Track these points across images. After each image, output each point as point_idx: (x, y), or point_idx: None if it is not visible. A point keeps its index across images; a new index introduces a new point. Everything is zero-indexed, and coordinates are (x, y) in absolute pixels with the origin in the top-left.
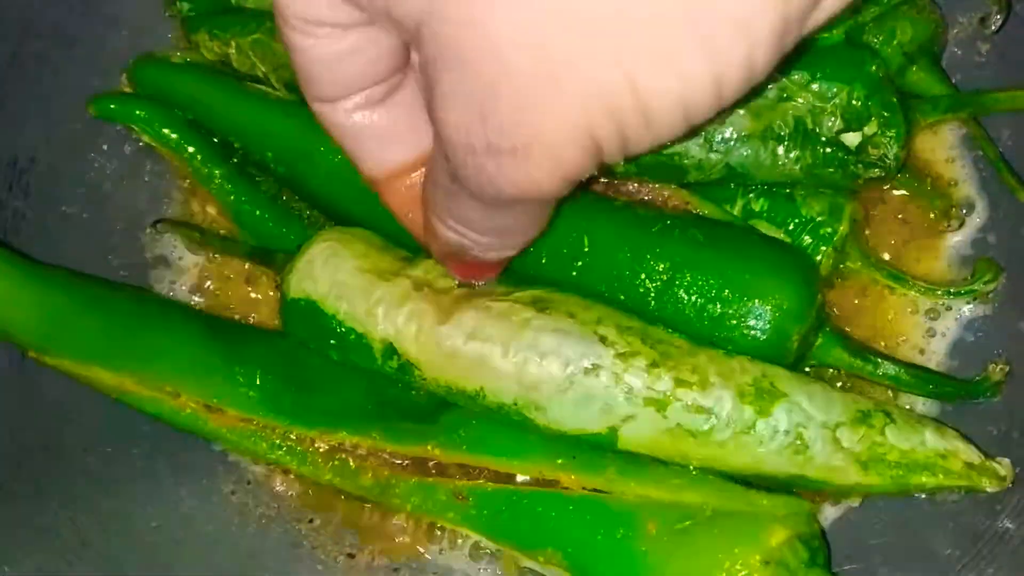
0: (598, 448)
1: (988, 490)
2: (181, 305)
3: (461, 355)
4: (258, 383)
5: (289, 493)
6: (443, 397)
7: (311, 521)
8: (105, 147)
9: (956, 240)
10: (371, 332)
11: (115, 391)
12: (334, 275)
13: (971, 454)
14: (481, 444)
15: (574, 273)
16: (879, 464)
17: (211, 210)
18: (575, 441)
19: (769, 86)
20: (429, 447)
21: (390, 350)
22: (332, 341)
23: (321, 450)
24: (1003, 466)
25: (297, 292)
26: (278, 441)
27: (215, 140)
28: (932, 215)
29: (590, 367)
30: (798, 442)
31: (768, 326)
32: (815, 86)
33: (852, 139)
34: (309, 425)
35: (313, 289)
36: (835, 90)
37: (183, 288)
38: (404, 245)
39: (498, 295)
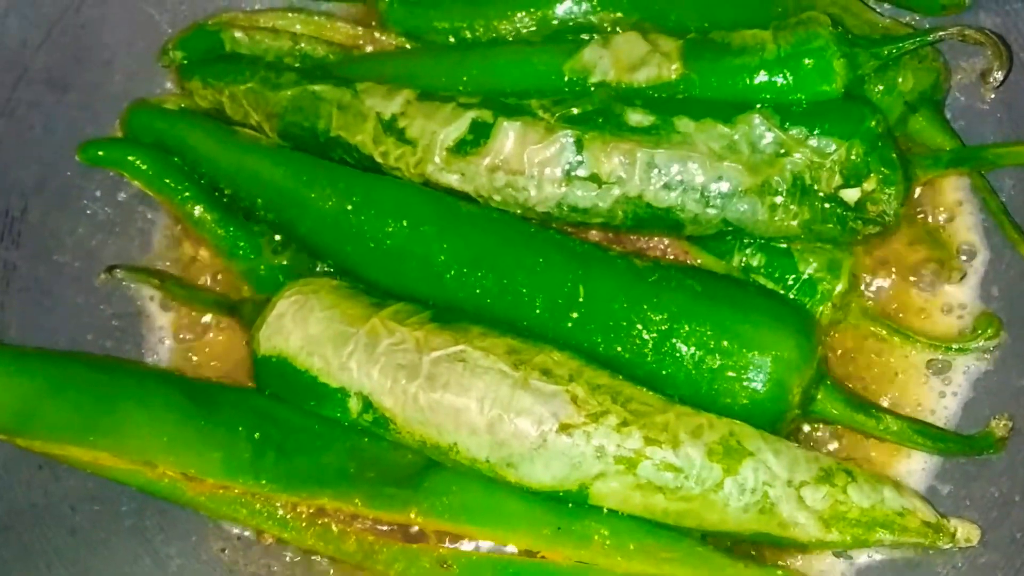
0: (580, 515)
1: (942, 547)
2: (157, 374)
3: (435, 409)
4: (237, 449)
5: (279, 550)
6: (422, 454)
7: None
8: (98, 194)
9: (958, 291)
10: (346, 386)
11: (90, 466)
12: (305, 329)
13: (928, 513)
14: (464, 512)
15: (569, 324)
16: (840, 522)
17: (204, 253)
18: (554, 505)
19: (767, 141)
20: (412, 514)
21: (366, 404)
22: (306, 396)
23: (303, 515)
24: (963, 527)
25: (268, 349)
26: (259, 507)
27: (208, 185)
28: (934, 266)
29: (561, 426)
30: (764, 500)
31: (768, 378)
32: (814, 142)
33: (851, 195)
34: (290, 490)
35: (284, 345)
36: (834, 146)
37: (174, 336)
38: (374, 290)
39: (473, 340)
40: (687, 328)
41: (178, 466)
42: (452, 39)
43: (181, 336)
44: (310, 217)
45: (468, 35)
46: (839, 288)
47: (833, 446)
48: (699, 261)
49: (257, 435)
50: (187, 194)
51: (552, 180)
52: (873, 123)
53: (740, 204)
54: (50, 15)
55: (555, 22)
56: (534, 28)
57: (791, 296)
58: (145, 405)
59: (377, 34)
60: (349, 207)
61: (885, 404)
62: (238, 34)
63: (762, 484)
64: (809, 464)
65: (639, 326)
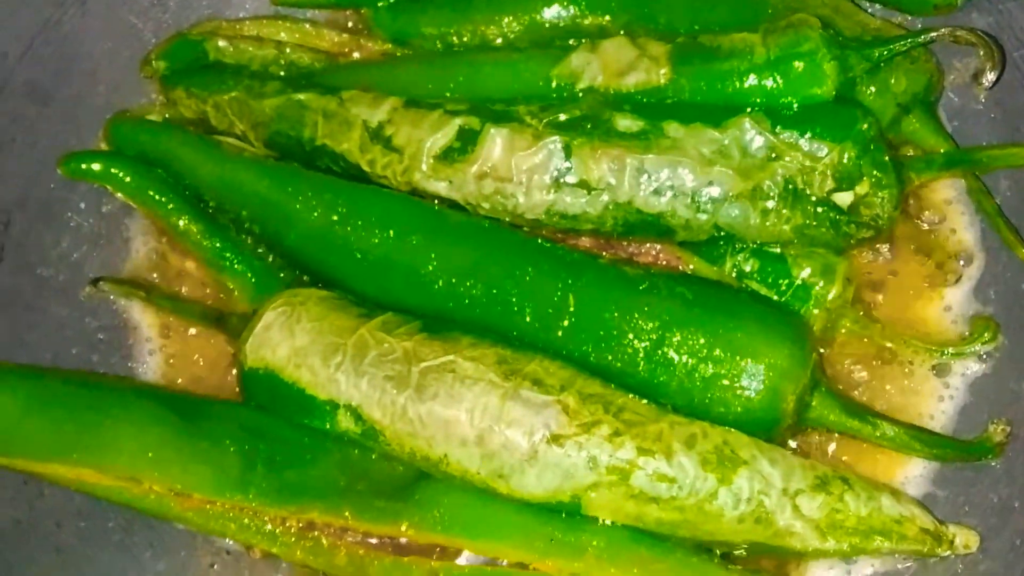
0: (573, 526)
1: (941, 555)
2: (142, 389)
3: (425, 421)
4: (225, 463)
5: (269, 565)
6: (412, 466)
7: None
8: (82, 206)
9: (955, 293)
10: (334, 398)
11: (75, 484)
12: (292, 341)
13: (926, 520)
14: (456, 525)
15: (559, 333)
16: (837, 530)
17: (190, 265)
18: (547, 516)
19: (758, 145)
20: (403, 527)
21: (355, 416)
22: (295, 409)
23: (293, 529)
24: (962, 534)
25: (255, 361)
26: (247, 521)
27: (192, 197)
28: (930, 269)
29: (552, 437)
30: (759, 510)
31: (761, 386)
32: (805, 145)
33: (844, 199)
34: (279, 504)
35: (272, 357)
36: (826, 149)
37: (161, 348)
38: (363, 301)
39: (463, 350)
40: (679, 336)
41: (165, 482)
42: (439, 44)
43: (167, 348)
44: (296, 228)
45: (455, 40)
46: (833, 293)
47: (832, 447)
48: (691, 267)
49: (245, 449)
50: (171, 206)
51: (541, 187)
52: (865, 126)
53: (731, 209)
54: (31, 26)
55: (543, 26)
56: (522, 33)
57: (785, 301)
58: (130, 421)
59: (363, 41)
60: (335, 218)
61: (883, 409)
62: (222, 43)
63: (757, 493)
64: (805, 472)
65: (630, 335)
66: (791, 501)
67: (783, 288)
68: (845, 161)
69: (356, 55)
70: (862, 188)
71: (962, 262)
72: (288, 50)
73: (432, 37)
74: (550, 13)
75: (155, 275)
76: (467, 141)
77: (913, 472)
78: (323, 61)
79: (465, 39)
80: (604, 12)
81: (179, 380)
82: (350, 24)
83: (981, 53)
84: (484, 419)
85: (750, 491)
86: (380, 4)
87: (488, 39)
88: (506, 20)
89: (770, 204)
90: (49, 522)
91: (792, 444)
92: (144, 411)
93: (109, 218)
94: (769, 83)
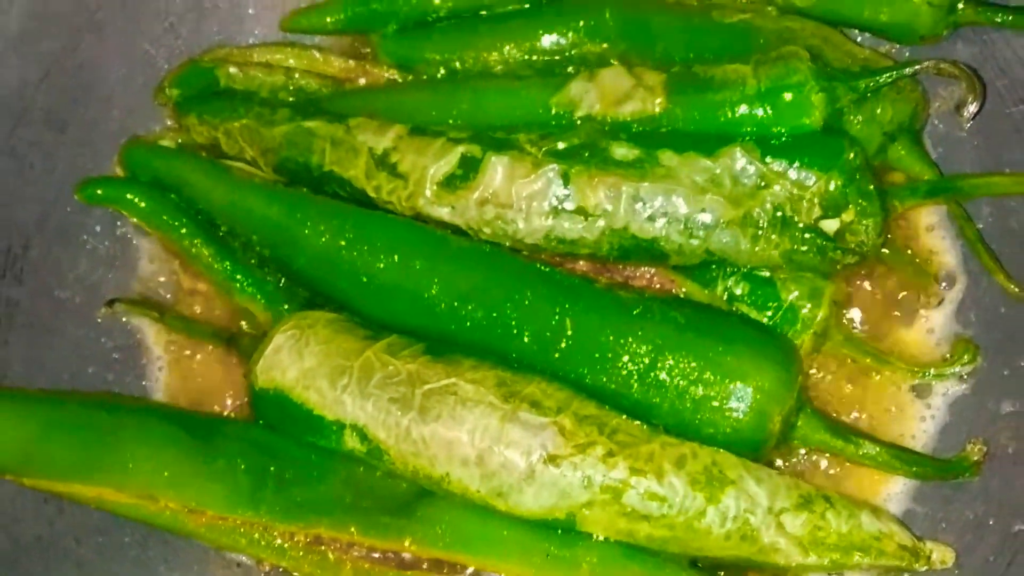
0: (569, 542)
1: (919, 570)
2: (156, 409)
3: (428, 441)
4: (236, 481)
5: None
6: (416, 484)
7: None
8: (98, 229)
9: (937, 316)
10: (341, 419)
11: (94, 502)
12: (301, 363)
13: (904, 537)
14: (458, 540)
15: (556, 355)
16: (819, 546)
17: (202, 287)
18: (544, 532)
19: (749, 174)
20: (406, 542)
21: (361, 436)
22: (303, 429)
23: (301, 544)
24: (939, 550)
25: (265, 382)
26: (257, 536)
27: (204, 221)
28: (913, 292)
29: (549, 457)
30: (745, 527)
31: (749, 408)
32: (793, 174)
33: (830, 226)
34: (288, 520)
35: (281, 379)
36: (813, 178)
37: (174, 368)
38: (369, 323)
39: (465, 373)
40: (671, 359)
41: (179, 500)
42: (443, 71)
43: (180, 368)
44: (304, 253)
45: (458, 66)
46: (820, 315)
47: (823, 464)
48: (684, 290)
49: (256, 467)
50: (184, 230)
51: (540, 213)
52: (851, 155)
53: (723, 235)
54: (49, 54)
55: (543, 53)
56: (522, 59)
57: (774, 323)
58: (145, 441)
59: (370, 66)
60: (342, 243)
61: (866, 428)
62: (233, 69)
63: (743, 511)
64: (789, 491)
65: (625, 358)
66: (776, 519)
67: (772, 311)
68: (832, 189)
69: (363, 80)
70: (848, 216)
71: (944, 285)
72: (297, 76)
73: (436, 63)
74: (549, 40)
75: (169, 296)
76: (469, 168)
77: (894, 489)
78: (330, 87)
79: (468, 65)
80: (602, 40)
81: (192, 399)
82: (357, 50)
83: (963, 85)
84: (484, 440)
85: (737, 509)
86: (386, 31)
87: (490, 65)
88: (507, 47)
89: (759, 230)
90: (69, 538)
91: (779, 463)
92: (159, 432)
93: (124, 241)
94: (760, 113)
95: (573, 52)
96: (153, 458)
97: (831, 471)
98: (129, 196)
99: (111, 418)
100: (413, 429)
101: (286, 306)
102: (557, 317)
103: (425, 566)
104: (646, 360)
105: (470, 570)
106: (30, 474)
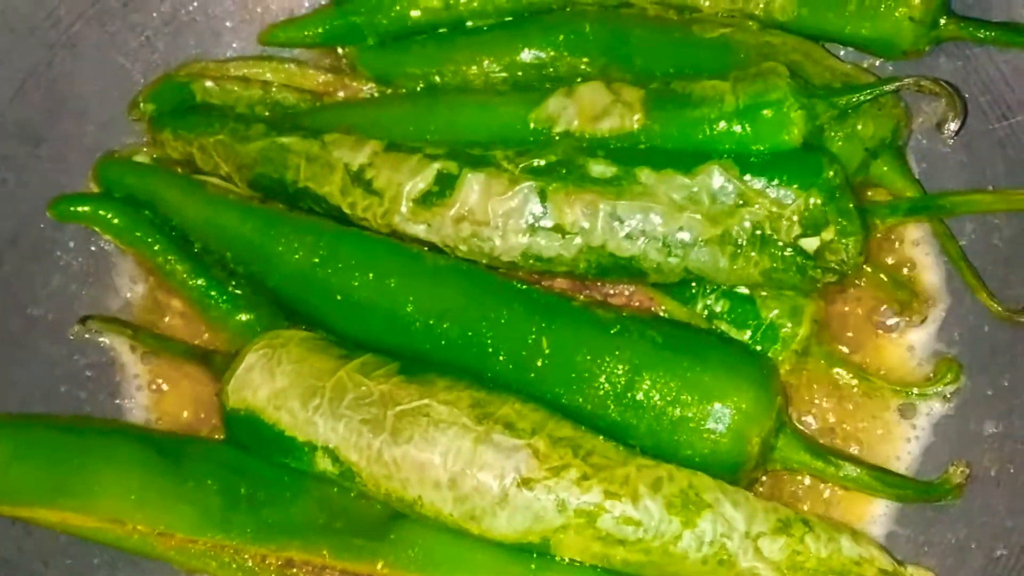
0: (543, 566)
1: None
2: (125, 431)
3: (400, 464)
4: (207, 503)
5: None
6: (388, 505)
7: None
8: (71, 244)
9: (921, 334)
10: (312, 440)
11: (59, 526)
12: (272, 383)
13: (884, 561)
14: (431, 564)
15: (532, 375)
16: (798, 571)
17: (176, 304)
18: (519, 556)
19: (727, 191)
20: (379, 565)
21: (332, 458)
22: (274, 450)
23: (272, 567)
24: (920, 575)
25: (237, 402)
26: (227, 559)
27: (179, 238)
28: (895, 310)
29: (523, 480)
30: (722, 552)
31: (727, 429)
32: (772, 192)
33: (810, 244)
34: (259, 542)
35: (252, 399)
36: (793, 196)
37: (148, 386)
38: (343, 341)
39: (438, 394)
40: (648, 380)
41: (148, 523)
42: (422, 84)
43: (154, 386)
44: (278, 270)
45: (438, 80)
46: (801, 334)
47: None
48: (663, 308)
49: (227, 488)
50: (158, 247)
51: (516, 230)
52: (831, 173)
53: (701, 253)
54: (22, 68)
55: (522, 67)
56: (502, 74)
57: (754, 341)
58: (114, 464)
59: (348, 80)
60: (316, 260)
61: (852, 449)
62: (208, 83)
63: (720, 536)
64: (767, 515)
65: (601, 377)
66: (753, 543)
67: (752, 329)
68: (811, 207)
69: (341, 94)
70: (828, 234)
71: (927, 304)
72: (274, 90)
73: (415, 77)
74: (529, 55)
75: (142, 313)
76: (445, 185)
77: (877, 511)
78: (308, 101)
79: (447, 79)
80: (582, 54)
81: (165, 417)
82: (336, 63)
83: (944, 102)
84: (457, 463)
85: (713, 534)
86: (365, 44)
87: (469, 79)
88: (487, 61)
89: (738, 249)
90: (37, 561)
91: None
92: (127, 454)
93: (98, 257)
94: (738, 130)
95: (553, 67)
96: (120, 481)
97: (814, 492)
98: (102, 212)
99: (77, 441)
100: (385, 451)
101: (260, 324)
102: (534, 336)
103: None
104: (623, 380)
105: None
106: None
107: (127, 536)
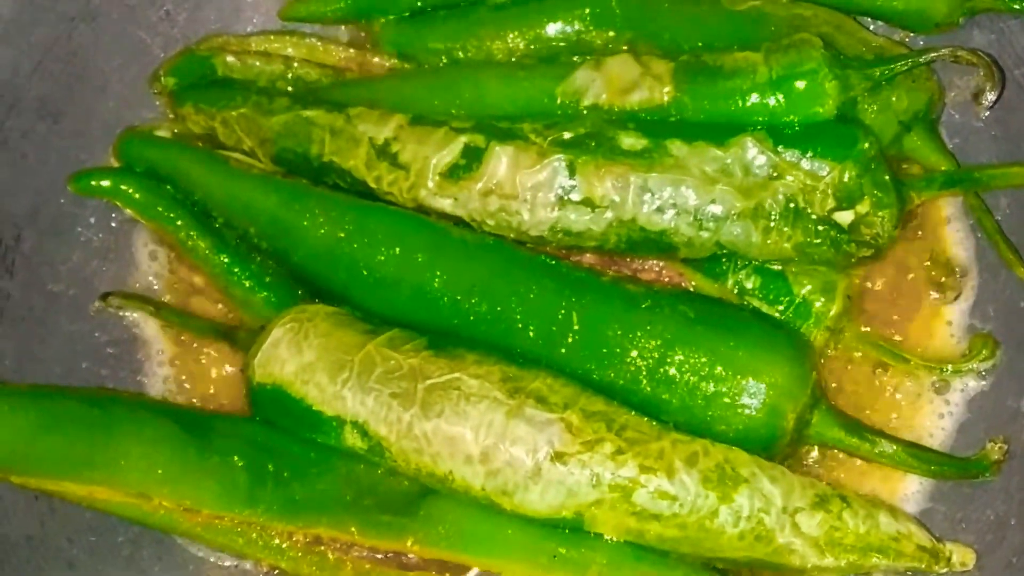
0: (576, 542)
1: (938, 572)
2: (151, 405)
3: (430, 438)
4: (233, 479)
5: None
6: (418, 481)
7: None
8: (92, 220)
9: (955, 310)
10: (341, 415)
11: (86, 500)
12: (300, 357)
13: (923, 537)
14: (461, 540)
15: (562, 350)
16: (836, 547)
17: (199, 280)
18: (551, 532)
19: (760, 164)
20: (408, 542)
21: (361, 432)
22: (302, 425)
23: (299, 544)
24: (958, 551)
25: (263, 377)
26: (255, 536)
27: (201, 213)
28: (929, 286)
29: (556, 455)
30: (759, 528)
31: (762, 404)
32: (806, 164)
33: (844, 218)
34: (286, 519)
35: (279, 373)
36: (827, 168)
37: (170, 363)
38: (370, 317)
39: (468, 367)
40: (681, 355)
41: (174, 498)
42: (445, 59)
43: (177, 363)
44: (303, 245)
45: (461, 55)
46: (834, 310)
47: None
48: (693, 284)
49: (253, 464)
50: (180, 222)
51: (545, 204)
52: (866, 145)
53: (733, 227)
54: (41, 43)
55: (548, 42)
56: (527, 48)
57: (786, 318)
58: (139, 438)
59: (370, 56)
60: (342, 235)
61: (883, 426)
62: (230, 58)
63: (757, 511)
64: (804, 490)
65: (633, 353)
66: (790, 519)
67: (784, 305)
68: (846, 180)
69: (362, 70)
70: (862, 207)
71: (961, 279)
72: (295, 65)
73: (438, 52)
74: (554, 29)
75: (164, 289)
76: (472, 159)
77: (911, 488)
78: (330, 76)
79: (470, 54)
80: (608, 28)
81: (188, 394)
82: (357, 38)
83: (981, 73)
84: (489, 437)
85: (750, 509)
86: (387, 19)
87: (493, 54)
88: (511, 36)
89: (771, 222)
90: (60, 538)
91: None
92: (154, 428)
93: (119, 233)
94: (771, 102)
95: (578, 41)
96: (147, 455)
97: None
98: (124, 187)
99: (103, 414)
100: (415, 425)
101: (283, 301)
102: (563, 311)
103: (428, 568)
104: (655, 355)
105: (474, 571)
106: (19, 472)
107: (152, 512)
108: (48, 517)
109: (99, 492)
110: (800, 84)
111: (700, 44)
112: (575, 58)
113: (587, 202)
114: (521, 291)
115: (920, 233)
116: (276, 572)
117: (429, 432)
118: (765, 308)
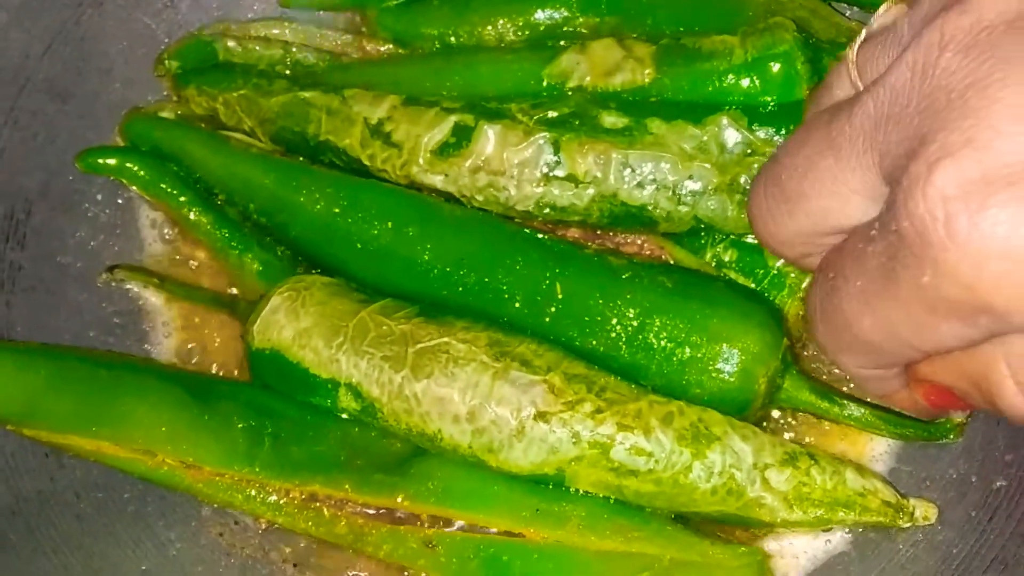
0: (557, 497)
1: (903, 526)
2: (156, 368)
3: (420, 398)
4: (232, 438)
5: (274, 534)
6: (409, 442)
7: (295, 565)
8: (99, 197)
9: None
10: (335, 377)
11: (93, 455)
12: (297, 323)
13: (888, 493)
14: (448, 496)
15: (547, 319)
16: (804, 502)
17: (201, 254)
18: (533, 488)
19: (735, 141)
20: (399, 498)
21: (355, 394)
22: (298, 387)
23: (296, 501)
24: (922, 507)
25: (262, 342)
26: (254, 493)
27: (203, 190)
28: None
29: (539, 414)
30: (731, 483)
31: (735, 369)
32: (780, 141)
33: None
34: (283, 477)
35: (277, 338)
36: None
37: (174, 331)
38: (363, 288)
39: (457, 333)
40: (659, 322)
41: (176, 455)
42: (438, 44)
43: (179, 332)
44: (300, 220)
45: (453, 40)
46: (806, 281)
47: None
48: (673, 256)
49: (252, 425)
50: (183, 199)
51: (531, 180)
52: None
53: (710, 201)
54: (51, 27)
55: (536, 27)
56: (516, 33)
57: (761, 289)
58: (145, 398)
59: (366, 41)
60: (336, 211)
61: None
62: (231, 43)
63: (729, 467)
64: (774, 448)
65: (613, 320)
66: (760, 474)
67: (759, 277)
68: None
69: (359, 55)
70: None
71: None
72: (294, 50)
73: (431, 37)
74: (543, 15)
75: (168, 263)
76: (462, 137)
77: (879, 449)
78: (327, 60)
79: (462, 39)
80: (594, 14)
81: (190, 362)
82: (354, 24)
83: None
84: (475, 397)
85: (722, 465)
86: (382, 6)
87: (484, 39)
88: (501, 21)
89: (746, 197)
90: (69, 493)
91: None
92: (158, 389)
93: (125, 208)
94: (746, 83)
95: (566, 26)
96: (151, 414)
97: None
98: (129, 165)
99: (110, 374)
100: (406, 386)
101: (281, 272)
102: (548, 282)
103: (418, 522)
104: (634, 323)
105: (459, 523)
106: (31, 425)
107: (157, 467)
108: (58, 473)
109: (106, 447)
110: (774, 66)
111: (681, 28)
112: (562, 43)
113: (571, 178)
114: (508, 263)
115: None
116: (274, 527)
117: (419, 393)
118: (741, 279)
